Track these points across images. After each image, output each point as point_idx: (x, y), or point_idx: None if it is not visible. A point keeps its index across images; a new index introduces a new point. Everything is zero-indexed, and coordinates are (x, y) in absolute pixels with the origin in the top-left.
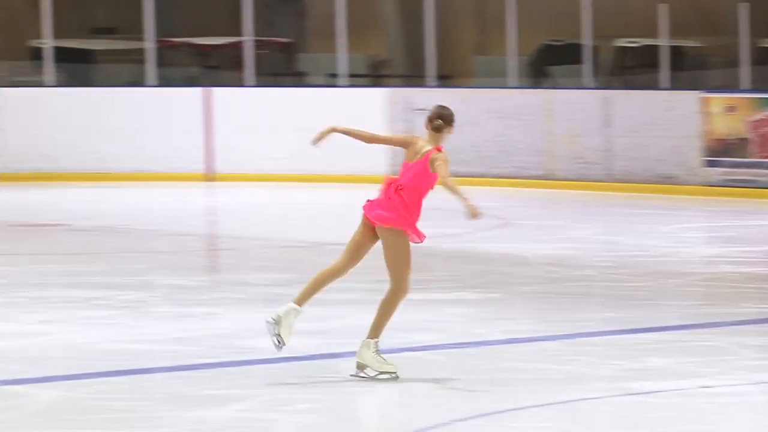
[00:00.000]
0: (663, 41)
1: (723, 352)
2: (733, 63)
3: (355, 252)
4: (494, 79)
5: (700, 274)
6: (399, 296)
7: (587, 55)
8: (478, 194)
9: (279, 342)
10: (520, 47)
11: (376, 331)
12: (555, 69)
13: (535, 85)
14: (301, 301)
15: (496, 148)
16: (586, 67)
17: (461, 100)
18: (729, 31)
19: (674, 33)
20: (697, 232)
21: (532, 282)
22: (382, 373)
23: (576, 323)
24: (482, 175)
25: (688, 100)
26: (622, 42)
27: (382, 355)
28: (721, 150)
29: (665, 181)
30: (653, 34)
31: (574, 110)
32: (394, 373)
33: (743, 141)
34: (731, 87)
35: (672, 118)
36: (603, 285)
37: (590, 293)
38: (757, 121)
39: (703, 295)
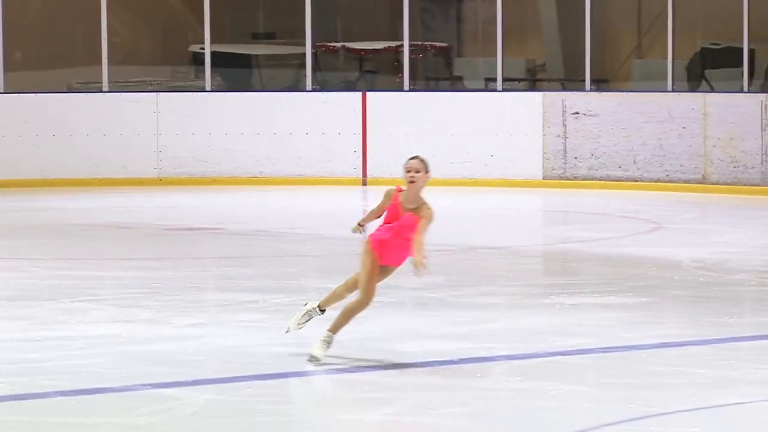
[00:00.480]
0: None
1: None
2: None
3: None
4: (652, 82)
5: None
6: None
7: (745, 58)
8: (632, 198)
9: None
10: (679, 50)
11: (335, 328)
12: (712, 73)
13: (692, 89)
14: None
15: (651, 152)
16: (744, 70)
17: (617, 104)
18: None
19: None
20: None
21: (683, 286)
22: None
23: (727, 327)
24: (636, 179)
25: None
26: None
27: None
28: None
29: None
30: None
31: (731, 114)
32: (318, 359)
33: None
34: None
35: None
36: (756, 289)
37: (742, 297)
38: None
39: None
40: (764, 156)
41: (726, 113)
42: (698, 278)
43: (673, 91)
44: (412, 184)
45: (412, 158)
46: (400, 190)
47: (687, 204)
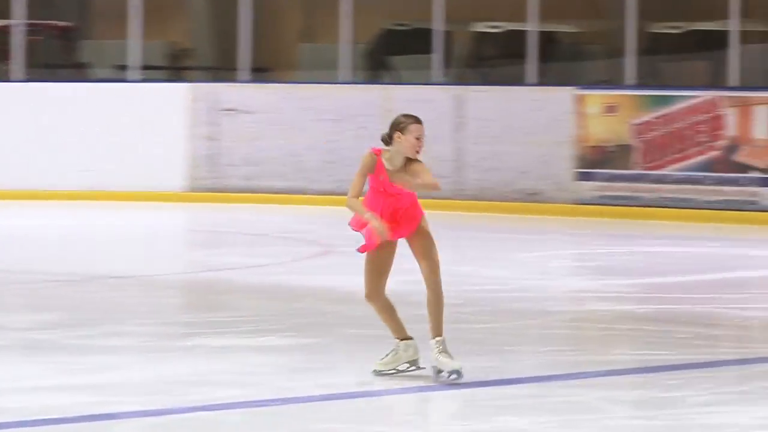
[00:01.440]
0: (531, 26)
1: (590, 410)
2: (616, 53)
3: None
4: (323, 72)
5: (565, 313)
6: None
7: (438, 42)
8: (296, 214)
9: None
10: (356, 33)
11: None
12: (398, 59)
13: (373, 80)
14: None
15: (321, 157)
16: (436, 57)
17: (280, 98)
18: (612, 14)
19: (545, 16)
20: (564, 261)
21: (356, 323)
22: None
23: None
24: (302, 191)
25: (559, 98)
26: (481, 27)
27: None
28: (597, 160)
29: (528, 198)
30: (519, 17)
31: (420, 110)
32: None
33: (624, 148)
34: (612, 82)
35: (539, 120)
36: (448, 327)
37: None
38: (642, 123)
39: (569, 338)
40: (457, 162)
41: (413, 109)
42: (375, 314)
43: (348, 82)
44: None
45: (417, 121)
46: (380, 152)
47: None
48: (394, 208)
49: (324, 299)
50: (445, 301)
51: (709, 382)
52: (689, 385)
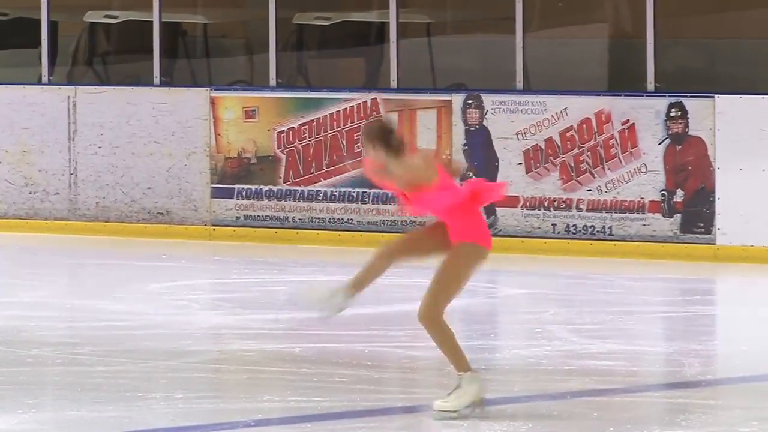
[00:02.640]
0: (154, 16)
1: None
2: (257, 48)
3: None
4: None
5: (203, 354)
6: None
7: (44, 35)
8: None
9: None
10: None
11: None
12: None
13: None
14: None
15: None
16: (42, 52)
17: None
18: (251, 2)
19: (172, 4)
20: (201, 293)
21: None
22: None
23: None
24: None
25: (190, 100)
26: (95, 17)
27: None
28: (236, 174)
29: (156, 219)
30: (143, 5)
31: (25, 115)
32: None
33: (268, 161)
34: (252, 83)
35: (167, 126)
36: (59, 370)
37: (45, 383)
38: (288, 131)
39: (209, 383)
40: (71, 177)
41: (18, 114)
42: None
43: None
44: None
45: None
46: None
47: None
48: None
49: None
50: (59, 340)
51: None
52: None
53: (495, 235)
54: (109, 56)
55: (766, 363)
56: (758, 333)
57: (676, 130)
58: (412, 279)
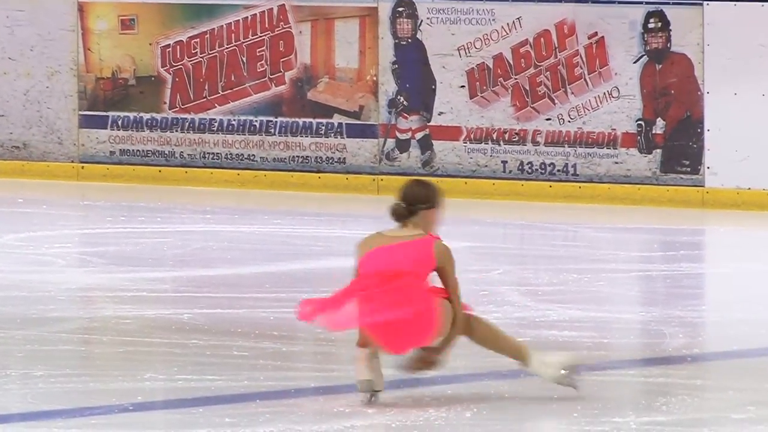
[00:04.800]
0: None
1: None
2: None
3: None
4: None
5: (69, 322)
6: None
7: None
8: None
9: None
10: None
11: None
12: None
13: None
14: None
15: None
16: None
17: None
18: None
19: None
20: (66, 246)
21: None
22: None
23: None
24: None
25: (51, 7)
26: None
27: None
28: (111, 99)
29: (14, 155)
30: None
31: None
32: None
33: (149, 82)
34: None
35: (21, 40)
36: None
37: None
38: (174, 45)
39: (76, 358)
40: None
41: None
42: None
43: None
44: None
45: None
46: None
47: None
48: None
49: None
50: None
51: (282, 420)
52: (252, 423)
53: (432, 174)
54: None
55: (764, 333)
56: (755, 297)
57: (655, 46)
58: (333, 230)
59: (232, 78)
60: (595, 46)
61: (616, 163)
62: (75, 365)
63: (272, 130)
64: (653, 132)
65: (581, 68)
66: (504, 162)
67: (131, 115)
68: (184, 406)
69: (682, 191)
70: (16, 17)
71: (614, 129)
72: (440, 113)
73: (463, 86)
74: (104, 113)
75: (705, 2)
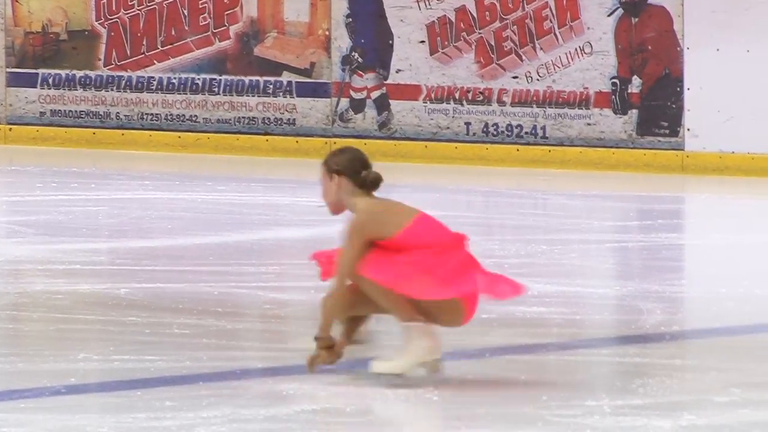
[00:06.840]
0: None
1: None
2: None
3: None
4: None
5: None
6: None
7: None
8: None
9: None
10: None
11: None
12: None
13: None
14: None
15: None
16: None
17: None
18: None
19: None
20: None
21: None
22: None
23: None
24: None
25: None
26: None
27: None
28: (41, 55)
29: None
30: None
31: None
32: None
33: (83, 37)
34: None
35: None
36: None
37: None
38: None
39: (5, 338)
40: None
41: None
42: None
43: None
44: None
45: None
46: None
47: None
48: None
49: None
50: None
51: (228, 403)
52: (195, 407)
53: (390, 137)
54: None
55: (750, 310)
56: (739, 270)
57: None
58: (282, 197)
59: (173, 32)
60: None
61: (589, 124)
62: (2, 344)
63: (216, 89)
64: (629, 91)
65: (551, 22)
66: (467, 124)
67: (63, 72)
68: (121, 389)
69: (660, 155)
70: None
71: (587, 88)
72: (398, 71)
73: (422, 41)
74: (34, 70)
75: None
